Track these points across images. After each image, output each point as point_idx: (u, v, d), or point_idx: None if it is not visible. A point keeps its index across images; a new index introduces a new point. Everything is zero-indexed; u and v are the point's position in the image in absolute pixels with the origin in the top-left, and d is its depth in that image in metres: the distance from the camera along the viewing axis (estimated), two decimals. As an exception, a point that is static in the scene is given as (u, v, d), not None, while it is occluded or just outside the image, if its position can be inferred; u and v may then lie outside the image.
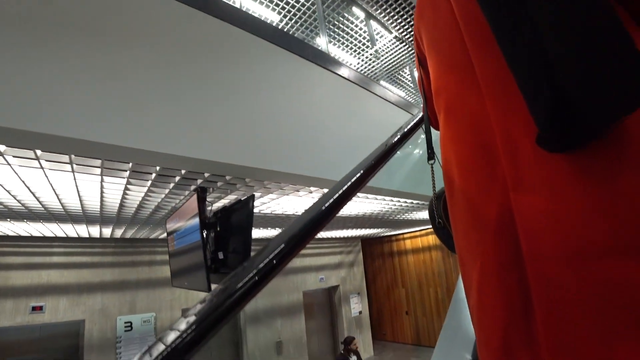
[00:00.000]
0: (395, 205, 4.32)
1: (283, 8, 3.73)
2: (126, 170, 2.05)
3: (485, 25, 0.42)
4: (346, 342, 4.82)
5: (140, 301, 5.25)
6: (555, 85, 0.32)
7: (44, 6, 1.44)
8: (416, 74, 2.86)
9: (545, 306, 0.38)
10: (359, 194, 2.79)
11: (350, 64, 4.48)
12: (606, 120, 0.30)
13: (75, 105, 1.44)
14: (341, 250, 8.12)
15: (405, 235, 8.43)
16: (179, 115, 1.75)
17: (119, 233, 4.71)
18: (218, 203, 3.15)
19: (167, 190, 2.61)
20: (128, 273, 5.26)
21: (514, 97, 0.40)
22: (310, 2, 3.67)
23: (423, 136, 0.81)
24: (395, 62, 4.34)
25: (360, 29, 4.27)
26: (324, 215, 0.49)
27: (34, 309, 4.47)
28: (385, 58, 4.31)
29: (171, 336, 0.30)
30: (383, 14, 4.24)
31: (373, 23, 4.36)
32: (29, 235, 4.52)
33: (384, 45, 4.22)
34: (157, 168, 2.05)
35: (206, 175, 2.29)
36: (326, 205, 0.50)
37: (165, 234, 3.81)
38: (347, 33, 4.27)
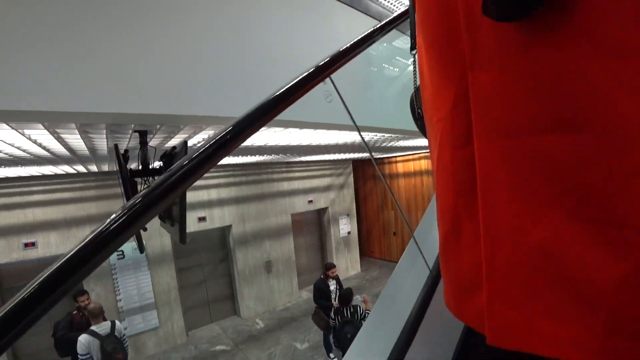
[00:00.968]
0: (377, 135, 4.06)
1: None
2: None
3: None
4: (326, 267, 5.08)
5: (129, 232, 5.51)
6: None
7: None
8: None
9: (483, 182, 0.41)
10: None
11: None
12: None
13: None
14: (331, 172, 8.08)
15: (398, 159, 8.23)
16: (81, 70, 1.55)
17: (94, 168, 4.69)
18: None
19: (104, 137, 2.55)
20: (113, 205, 5.39)
21: None
22: None
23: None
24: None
25: None
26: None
27: (26, 245, 4.75)
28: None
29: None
30: None
31: None
32: (4, 177, 4.55)
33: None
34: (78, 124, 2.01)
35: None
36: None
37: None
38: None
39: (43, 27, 1.44)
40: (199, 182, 4.30)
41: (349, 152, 5.99)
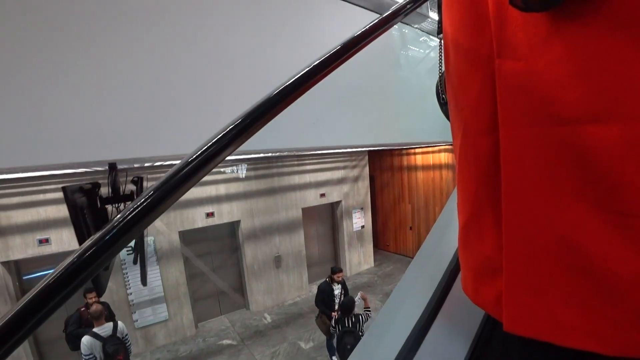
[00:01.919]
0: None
1: None
2: None
3: None
4: (332, 271, 4.95)
5: (137, 228, 5.64)
6: None
7: None
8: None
9: (507, 169, 0.40)
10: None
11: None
12: None
13: None
14: (345, 164, 7.78)
15: (417, 150, 7.76)
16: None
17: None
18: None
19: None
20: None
21: None
22: None
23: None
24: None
25: None
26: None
27: (40, 241, 5.00)
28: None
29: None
30: None
31: None
32: (18, 177, 4.73)
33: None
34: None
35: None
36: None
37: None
38: None
39: None
40: (207, 177, 4.25)
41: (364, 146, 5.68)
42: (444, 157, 7.16)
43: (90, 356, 3.62)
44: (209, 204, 6.10)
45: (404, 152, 8.08)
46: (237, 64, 1.71)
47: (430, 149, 7.47)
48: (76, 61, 1.34)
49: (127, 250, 5.56)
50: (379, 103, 2.49)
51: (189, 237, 6.05)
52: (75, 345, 3.90)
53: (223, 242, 6.60)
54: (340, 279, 4.92)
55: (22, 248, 4.88)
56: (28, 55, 1.25)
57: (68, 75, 1.33)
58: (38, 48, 1.27)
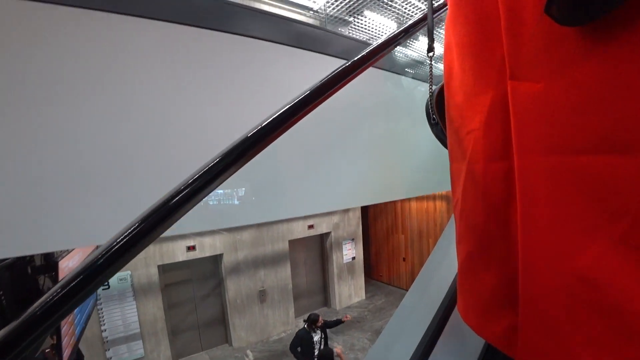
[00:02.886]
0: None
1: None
2: None
3: None
4: (310, 320, 4.71)
5: (115, 263, 5.61)
6: None
7: None
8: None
9: (523, 201, 0.38)
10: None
11: None
12: None
13: None
14: (336, 194, 7.56)
15: (410, 179, 7.48)
16: None
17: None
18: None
19: None
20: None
21: None
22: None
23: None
24: None
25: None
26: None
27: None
28: None
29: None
30: None
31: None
32: None
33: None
34: None
35: None
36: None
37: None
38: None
39: None
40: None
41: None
42: (437, 188, 6.86)
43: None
44: (190, 237, 5.99)
45: (397, 180, 7.81)
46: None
47: (423, 179, 7.19)
48: None
49: (103, 286, 5.49)
50: (357, 162, 2.26)
51: (169, 270, 5.95)
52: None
53: (205, 275, 6.46)
54: (319, 325, 4.69)
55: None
56: None
57: None
58: None
